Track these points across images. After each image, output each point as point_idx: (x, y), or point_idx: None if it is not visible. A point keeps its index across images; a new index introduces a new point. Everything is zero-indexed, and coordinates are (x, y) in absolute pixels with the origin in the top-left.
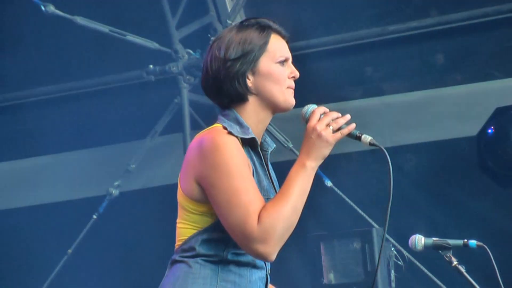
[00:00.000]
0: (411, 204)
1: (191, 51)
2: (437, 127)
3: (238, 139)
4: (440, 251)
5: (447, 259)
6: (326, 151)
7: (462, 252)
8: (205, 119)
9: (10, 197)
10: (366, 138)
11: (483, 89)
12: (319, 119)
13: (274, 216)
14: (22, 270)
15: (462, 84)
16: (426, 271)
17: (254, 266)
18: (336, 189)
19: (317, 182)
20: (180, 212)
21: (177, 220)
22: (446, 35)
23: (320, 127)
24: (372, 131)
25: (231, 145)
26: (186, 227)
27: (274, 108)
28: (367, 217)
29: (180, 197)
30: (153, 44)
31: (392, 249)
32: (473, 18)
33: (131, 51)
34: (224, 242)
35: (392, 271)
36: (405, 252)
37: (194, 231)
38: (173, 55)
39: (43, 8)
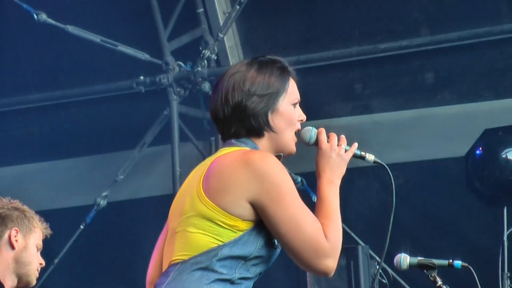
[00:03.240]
0: (397, 223)
1: (182, 64)
2: (426, 147)
3: None
4: (425, 271)
5: (431, 279)
6: (344, 169)
7: (447, 272)
8: (193, 131)
9: None
10: (370, 156)
11: (472, 110)
12: (330, 140)
13: (335, 232)
14: None
15: (451, 104)
16: None
17: None
18: None
19: (304, 198)
20: (197, 222)
21: (190, 229)
22: (436, 54)
23: (335, 147)
24: (361, 149)
25: (283, 167)
26: (208, 239)
27: (279, 149)
28: (353, 234)
29: (207, 209)
30: (144, 55)
31: (377, 267)
32: (463, 39)
33: (122, 61)
34: (239, 261)
35: None
36: (389, 270)
37: (215, 245)
38: (163, 66)
39: (35, 16)
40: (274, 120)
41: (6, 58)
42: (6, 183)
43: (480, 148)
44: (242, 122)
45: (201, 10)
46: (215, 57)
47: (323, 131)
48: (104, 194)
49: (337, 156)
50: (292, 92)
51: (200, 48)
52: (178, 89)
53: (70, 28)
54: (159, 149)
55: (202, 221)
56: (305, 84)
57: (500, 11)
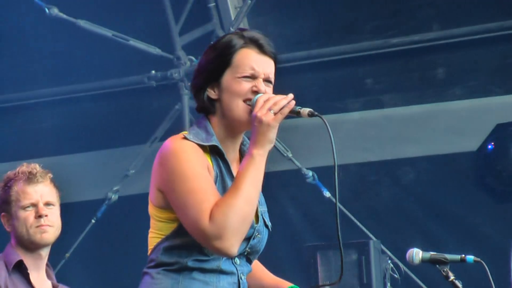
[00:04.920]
0: (408, 218)
1: (193, 58)
2: (437, 141)
3: (200, 146)
4: (437, 266)
5: (444, 273)
6: (270, 135)
7: (459, 267)
8: None
9: None
10: (305, 110)
11: (483, 105)
12: (260, 106)
13: (224, 210)
14: None
15: (462, 99)
16: (422, 285)
17: (222, 272)
18: (334, 200)
19: (315, 192)
20: (150, 221)
21: (149, 230)
22: (447, 49)
23: (261, 112)
24: (372, 144)
25: (186, 149)
26: (153, 236)
27: (233, 123)
28: (364, 229)
29: (149, 206)
30: (155, 50)
31: (389, 261)
32: (475, 34)
33: (134, 56)
34: (186, 248)
35: (388, 284)
36: (401, 265)
37: (159, 239)
38: (175, 61)
39: (47, 10)
40: (219, 95)
41: (18, 53)
42: None
43: (492, 143)
44: (196, 101)
45: (212, 4)
46: None
47: (260, 98)
48: (115, 188)
49: (259, 123)
50: (239, 65)
51: (211, 42)
52: (189, 83)
53: (82, 23)
54: None
55: (151, 220)
56: (316, 79)
57: (511, 5)
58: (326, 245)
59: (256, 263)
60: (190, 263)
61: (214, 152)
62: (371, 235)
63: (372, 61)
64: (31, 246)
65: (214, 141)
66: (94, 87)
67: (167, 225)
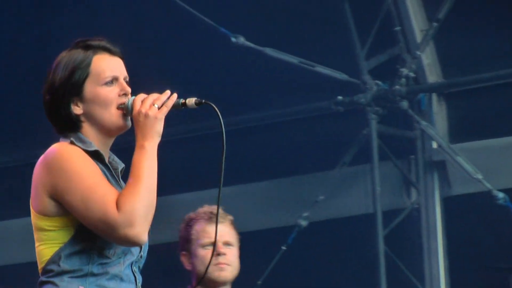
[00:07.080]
0: None
1: (379, 82)
2: None
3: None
4: None
5: None
6: (158, 127)
7: None
8: (393, 150)
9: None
10: (191, 100)
11: None
12: (142, 103)
13: (131, 198)
14: None
15: None
16: None
17: (122, 279)
18: None
19: (506, 214)
20: (36, 235)
21: (36, 245)
22: None
23: (145, 108)
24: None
25: (74, 151)
26: (45, 248)
27: (107, 130)
28: None
29: (34, 219)
30: (341, 75)
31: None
32: None
33: (319, 82)
34: (87, 253)
35: None
36: None
37: (56, 249)
38: (361, 86)
39: (233, 39)
40: (85, 108)
41: (208, 80)
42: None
43: None
44: (53, 118)
45: (398, 28)
46: (413, 75)
47: (138, 97)
48: (305, 214)
49: (145, 118)
50: (99, 71)
51: (398, 66)
52: (376, 108)
53: (268, 50)
54: (358, 168)
55: (37, 232)
56: (482, 103)
57: None
58: None
59: None
60: (95, 269)
61: (95, 158)
62: None
63: None
64: (210, 285)
65: (94, 147)
66: (282, 113)
67: (62, 233)
